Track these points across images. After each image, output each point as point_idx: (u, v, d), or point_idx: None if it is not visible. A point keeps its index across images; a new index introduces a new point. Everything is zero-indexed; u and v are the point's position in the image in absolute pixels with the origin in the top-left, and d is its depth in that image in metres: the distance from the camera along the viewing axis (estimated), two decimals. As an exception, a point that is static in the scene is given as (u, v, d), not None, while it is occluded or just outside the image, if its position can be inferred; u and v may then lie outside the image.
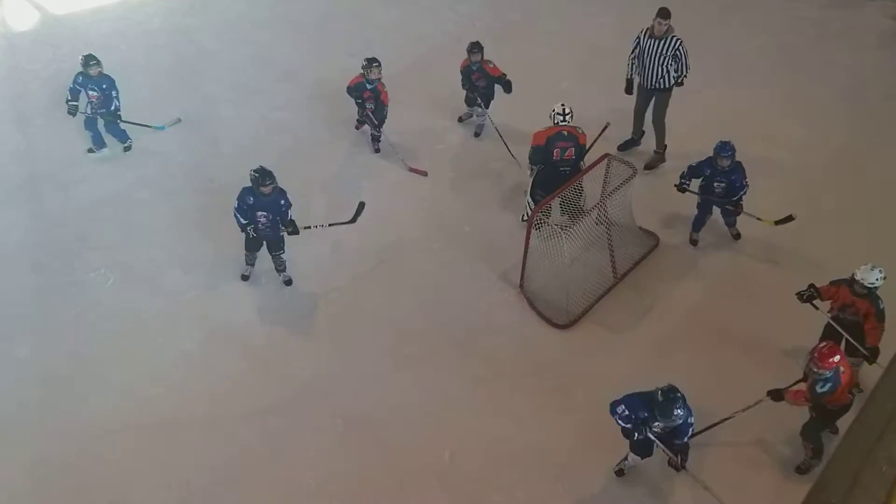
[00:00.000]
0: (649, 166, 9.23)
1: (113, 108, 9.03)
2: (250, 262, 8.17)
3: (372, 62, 8.97)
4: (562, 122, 8.16)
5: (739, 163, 7.94)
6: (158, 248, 8.31)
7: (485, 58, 9.29)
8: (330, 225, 7.99)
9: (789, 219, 8.00)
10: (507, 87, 9.35)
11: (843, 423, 6.71)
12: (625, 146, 9.42)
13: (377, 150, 9.54)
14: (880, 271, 6.50)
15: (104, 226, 8.68)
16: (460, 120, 9.96)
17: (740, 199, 8.05)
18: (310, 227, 7.85)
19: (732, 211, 8.16)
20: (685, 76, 8.81)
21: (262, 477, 6.80)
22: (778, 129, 9.54)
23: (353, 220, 8.04)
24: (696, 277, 8.18)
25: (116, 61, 10.52)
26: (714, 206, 8.25)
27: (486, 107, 9.51)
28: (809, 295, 6.84)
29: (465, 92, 9.60)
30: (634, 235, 8.40)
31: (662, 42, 8.51)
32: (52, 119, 9.77)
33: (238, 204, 7.62)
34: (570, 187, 7.95)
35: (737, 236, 8.46)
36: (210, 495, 6.70)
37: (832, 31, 10.72)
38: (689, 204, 8.46)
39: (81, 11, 11.53)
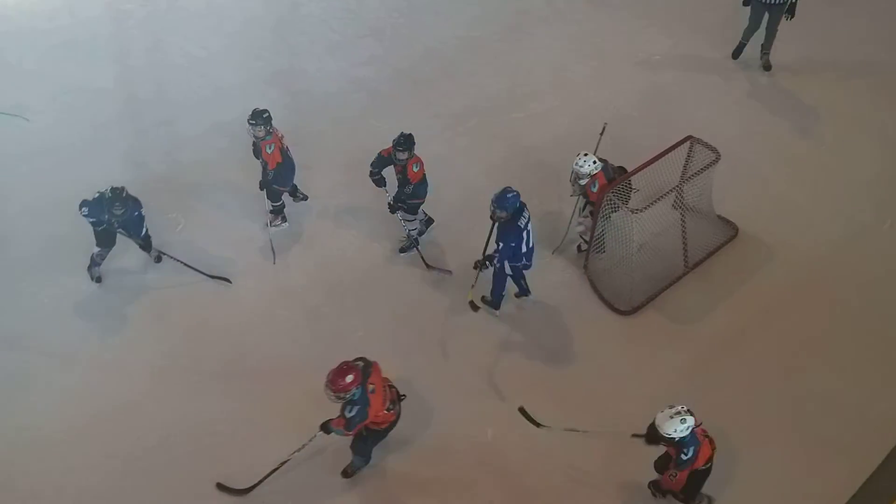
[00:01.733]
0: (765, 67, 9.70)
1: None
2: (99, 260, 7.52)
3: (249, 118, 7.52)
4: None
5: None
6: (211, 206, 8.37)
7: (414, 154, 7.48)
8: (186, 265, 7.63)
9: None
10: (408, 195, 7.64)
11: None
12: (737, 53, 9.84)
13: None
14: (682, 421, 5.51)
15: (180, 170, 8.75)
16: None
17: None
18: (166, 255, 7.58)
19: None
20: None
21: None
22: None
23: (213, 276, 7.69)
24: (773, 273, 7.78)
25: (205, 3, 10.58)
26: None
27: (393, 209, 7.73)
28: (651, 438, 5.80)
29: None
30: (711, 224, 8.01)
31: None
32: (151, 59, 9.86)
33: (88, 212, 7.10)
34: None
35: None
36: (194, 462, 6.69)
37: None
38: (771, 193, 8.24)
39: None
